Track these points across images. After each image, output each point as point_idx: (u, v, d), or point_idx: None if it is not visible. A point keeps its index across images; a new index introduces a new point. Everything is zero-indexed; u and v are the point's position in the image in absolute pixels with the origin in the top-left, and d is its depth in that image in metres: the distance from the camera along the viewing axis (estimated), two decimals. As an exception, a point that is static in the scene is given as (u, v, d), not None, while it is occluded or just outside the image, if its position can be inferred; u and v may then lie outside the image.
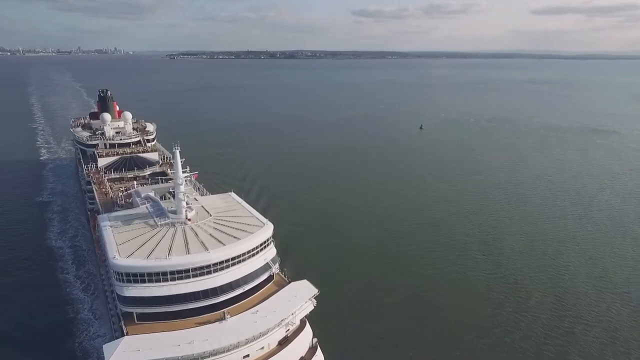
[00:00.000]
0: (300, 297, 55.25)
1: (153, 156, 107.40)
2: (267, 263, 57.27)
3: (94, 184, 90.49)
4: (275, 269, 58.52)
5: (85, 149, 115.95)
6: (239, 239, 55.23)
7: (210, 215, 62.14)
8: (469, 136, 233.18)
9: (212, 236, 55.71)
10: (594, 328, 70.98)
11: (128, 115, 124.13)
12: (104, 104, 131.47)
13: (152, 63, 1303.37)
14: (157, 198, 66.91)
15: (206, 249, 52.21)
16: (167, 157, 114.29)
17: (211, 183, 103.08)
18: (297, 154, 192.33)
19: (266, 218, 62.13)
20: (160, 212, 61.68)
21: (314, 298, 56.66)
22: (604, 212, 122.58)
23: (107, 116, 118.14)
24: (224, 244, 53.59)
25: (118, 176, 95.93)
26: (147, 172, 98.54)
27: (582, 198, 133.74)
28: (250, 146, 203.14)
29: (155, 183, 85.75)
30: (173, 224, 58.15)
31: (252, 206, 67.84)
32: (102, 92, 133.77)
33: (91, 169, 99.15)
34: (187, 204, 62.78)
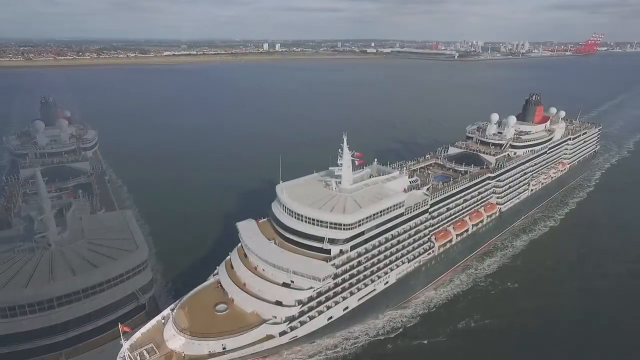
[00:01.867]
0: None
1: (83, 166, 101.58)
2: (134, 293, 51.68)
3: (3, 197, 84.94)
4: (144, 299, 52.86)
5: (15, 158, 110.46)
6: (96, 266, 49.62)
7: (84, 238, 56.57)
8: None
9: (69, 264, 50.11)
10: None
11: (64, 122, 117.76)
12: (45, 110, 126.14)
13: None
14: (36, 218, 61.31)
15: (50, 280, 46.61)
16: (100, 167, 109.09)
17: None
18: (259, 158, 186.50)
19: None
20: (28, 236, 56.16)
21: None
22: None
23: (39, 124, 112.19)
24: (75, 274, 48.00)
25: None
26: (71, 183, 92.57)
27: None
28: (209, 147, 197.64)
29: (80, 196, 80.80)
30: (33, 250, 52.65)
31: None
32: (44, 98, 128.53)
33: (12, 181, 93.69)
34: (64, 223, 57.73)
